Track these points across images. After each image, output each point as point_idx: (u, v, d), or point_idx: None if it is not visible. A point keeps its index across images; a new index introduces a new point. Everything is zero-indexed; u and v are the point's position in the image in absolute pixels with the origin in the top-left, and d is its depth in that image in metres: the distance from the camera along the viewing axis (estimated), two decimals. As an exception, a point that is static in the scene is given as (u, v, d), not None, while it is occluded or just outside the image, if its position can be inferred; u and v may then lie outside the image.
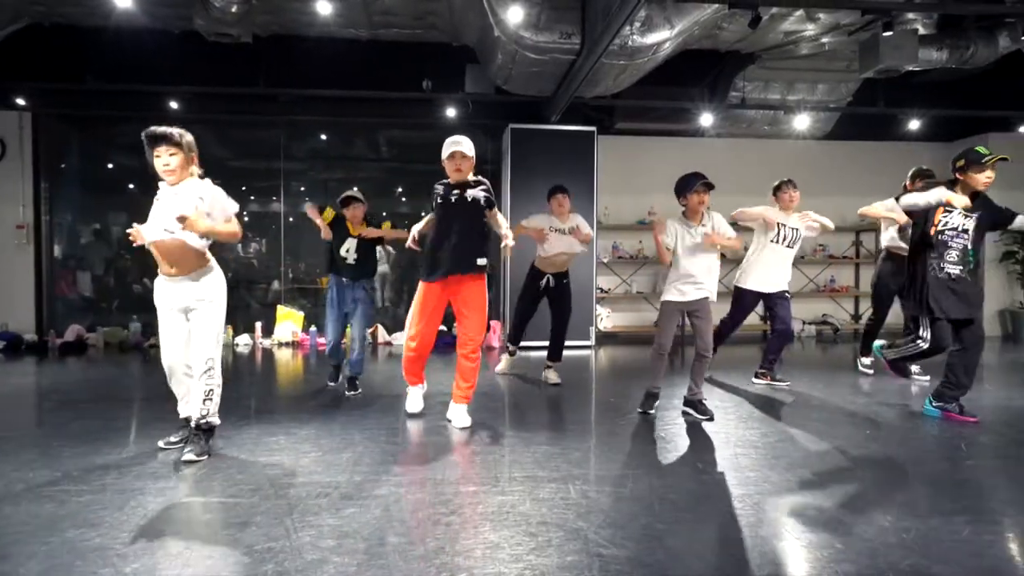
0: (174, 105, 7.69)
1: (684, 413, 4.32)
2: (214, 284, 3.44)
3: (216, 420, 3.46)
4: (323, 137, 9.09)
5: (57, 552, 2.29)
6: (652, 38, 5.78)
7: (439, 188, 4.09)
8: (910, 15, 6.09)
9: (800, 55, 7.24)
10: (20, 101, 7.51)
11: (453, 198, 4.01)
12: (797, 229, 5.18)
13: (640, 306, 8.98)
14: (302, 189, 9.26)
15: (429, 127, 8.60)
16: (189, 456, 3.32)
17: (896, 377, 4.83)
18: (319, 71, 7.45)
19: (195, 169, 3.43)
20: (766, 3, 5.35)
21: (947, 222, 4.10)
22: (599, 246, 8.31)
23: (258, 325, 8.29)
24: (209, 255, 3.45)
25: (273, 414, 4.49)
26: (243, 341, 8.19)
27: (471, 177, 4.11)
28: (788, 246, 5.19)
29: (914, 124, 8.42)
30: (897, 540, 2.40)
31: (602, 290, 8.71)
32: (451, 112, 7.95)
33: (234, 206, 3.42)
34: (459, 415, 4.12)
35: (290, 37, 7.14)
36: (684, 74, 7.64)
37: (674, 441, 3.81)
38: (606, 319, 8.73)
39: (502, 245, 4.14)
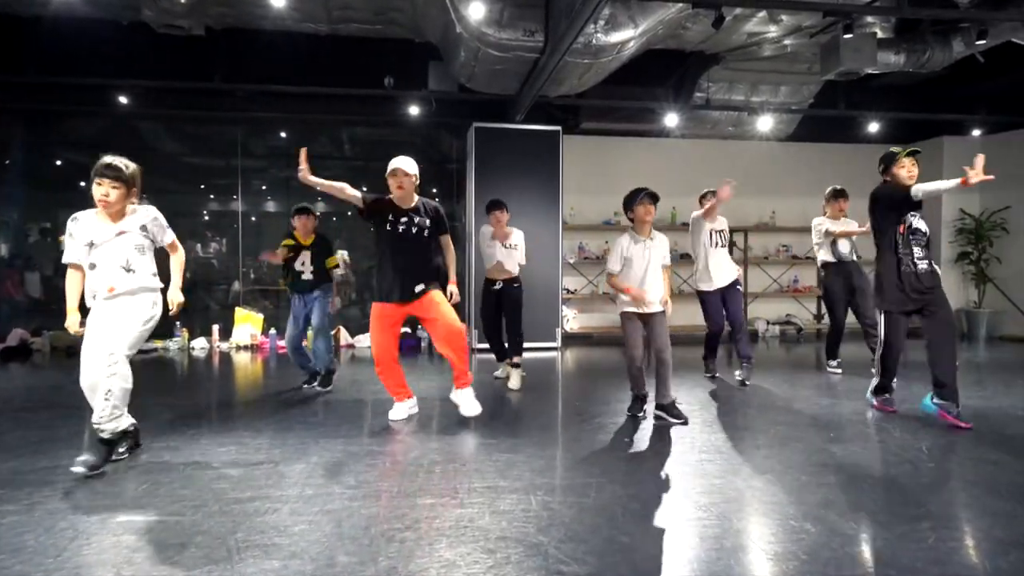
0: (124, 100, 7.40)
1: (657, 417, 4.29)
2: (150, 300, 3.43)
3: (115, 425, 3.25)
4: (283, 134, 8.85)
5: (-27, 582, 2.11)
6: (616, 37, 5.73)
7: (388, 213, 4.14)
8: (869, 18, 6.15)
9: (763, 56, 7.27)
10: (-43, 94, 7.15)
11: (401, 227, 4.10)
12: (723, 231, 5.63)
13: (607, 307, 8.95)
14: (263, 188, 9.01)
15: (392, 125, 8.44)
16: (78, 468, 3.09)
17: (886, 409, 4.51)
18: (277, 66, 7.23)
19: (134, 200, 3.46)
20: (729, 3, 5.33)
21: (910, 223, 4.22)
22: (565, 247, 8.24)
23: (215, 328, 8.03)
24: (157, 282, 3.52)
25: (226, 423, 4.30)
26: (199, 344, 7.92)
27: (417, 199, 4.19)
28: (722, 246, 5.62)
29: (873, 126, 8.55)
30: (862, 549, 2.36)
31: (568, 291, 8.65)
32: (414, 110, 7.80)
33: (171, 235, 3.58)
34: (463, 400, 4.30)
35: (246, 31, 6.90)
36: (649, 74, 7.63)
37: (639, 447, 3.74)
38: (572, 320, 8.67)
39: (449, 292, 4.29)
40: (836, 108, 8.31)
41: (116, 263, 3.32)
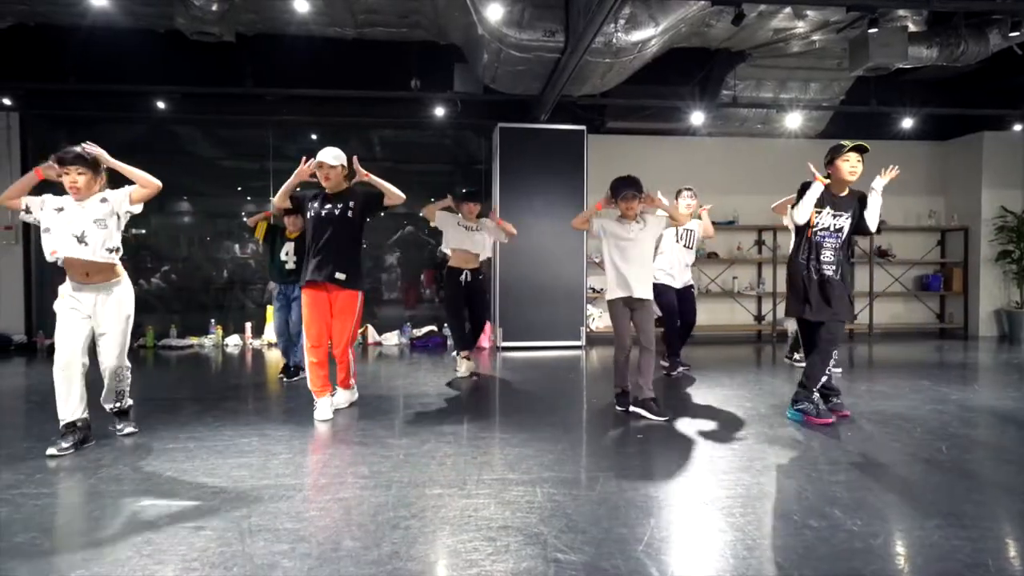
0: (161, 105, 7.66)
1: (636, 415, 4.32)
2: (124, 295, 3.61)
3: (129, 402, 3.88)
4: (313, 136, 9.05)
5: (1, 559, 2.25)
6: (637, 36, 5.73)
7: (312, 201, 4.34)
8: (900, 12, 6.03)
9: (791, 53, 7.16)
10: (6, 101, 7.49)
11: (324, 211, 4.28)
12: (692, 231, 5.76)
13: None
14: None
15: (419, 126, 8.55)
16: (128, 430, 3.80)
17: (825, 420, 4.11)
18: (306, 70, 7.40)
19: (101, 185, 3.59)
20: (748, 0, 5.29)
21: (819, 223, 4.08)
22: (590, 246, 8.24)
23: (248, 325, 8.26)
24: (120, 268, 3.61)
25: (249, 415, 4.45)
26: (233, 341, 8.16)
27: (347, 185, 4.34)
28: (686, 246, 5.74)
29: (907, 122, 8.35)
30: (864, 545, 2.35)
31: (593, 290, 8.65)
32: (440, 111, 7.90)
33: (129, 189, 3.63)
34: (337, 398, 4.50)
35: (275, 36, 7.09)
36: (674, 72, 7.58)
37: (652, 442, 3.76)
38: (598, 319, 8.68)
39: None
40: (868, 104, 8.13)
41: (69, 231, 3.38)
